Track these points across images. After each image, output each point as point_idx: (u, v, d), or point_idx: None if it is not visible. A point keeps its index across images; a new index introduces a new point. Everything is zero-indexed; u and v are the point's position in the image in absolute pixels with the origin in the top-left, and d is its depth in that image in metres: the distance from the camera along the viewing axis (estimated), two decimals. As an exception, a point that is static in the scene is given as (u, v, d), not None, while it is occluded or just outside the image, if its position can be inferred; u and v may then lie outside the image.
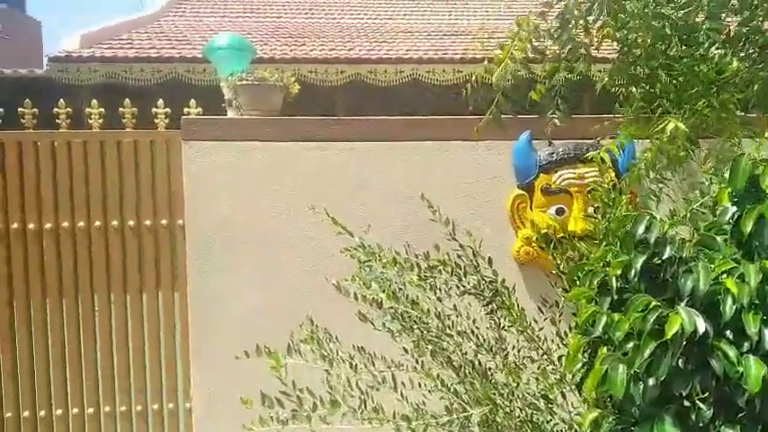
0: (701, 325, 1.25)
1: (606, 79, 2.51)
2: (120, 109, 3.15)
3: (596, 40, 2.41)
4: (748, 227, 1.31)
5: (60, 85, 7.05)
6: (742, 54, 2.30)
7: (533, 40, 2.24)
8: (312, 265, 2.84)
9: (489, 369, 1.66)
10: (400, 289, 1.73)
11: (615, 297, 1.42)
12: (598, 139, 2.92)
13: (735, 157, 1.41)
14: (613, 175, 2.85)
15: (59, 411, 3.18)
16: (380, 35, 8.90)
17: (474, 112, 2.76)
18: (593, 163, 2.92)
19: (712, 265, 1.32)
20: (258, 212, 2.88)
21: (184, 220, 2.98)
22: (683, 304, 1.30)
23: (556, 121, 2.37)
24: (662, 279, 1.38)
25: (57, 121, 3.12)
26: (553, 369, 1.64)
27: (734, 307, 1.25)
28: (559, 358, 1.70)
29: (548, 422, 1.54)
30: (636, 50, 2.30)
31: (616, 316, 1.38)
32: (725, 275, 1.30)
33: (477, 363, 1.65)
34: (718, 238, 1.39)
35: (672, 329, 1.24)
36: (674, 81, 2.36)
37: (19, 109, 3.10)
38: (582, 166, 3.00)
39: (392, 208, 2.84)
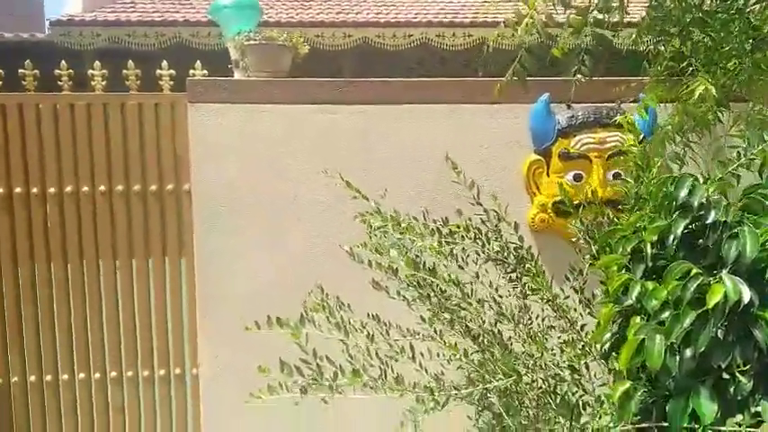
0: (747, 294, 1.17)
1: (634, 36, 2.39)
2: (124, 71, 3.04)
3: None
4: (801, 190, 1.22)
5: (62, 50, 6.91)
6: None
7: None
8: (323, 230, 2.77)
9: (509, 339, 1.59)
10: (417, 256, 1.65)
11: (650, 264, 1.34)
12: (620, 102, 2.82)
13: None
14: (633, 138, 2.78)
15: (65, 376, 3.16)
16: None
17: (484, 76, 2.65)
18: (613, 127, 2.84)
19: (759, 231, 1.23)
20: (267, 176, 2.80)
21: (191, 185, 2.90)
22: (725, 271, 1.22)
23: (580, 77, 2.25)
24: (702, 245, 1.30)
25: (59, 83, 3.02)
26: (578, 339, 1.56)
27: (782, 275, 1.17)
28: (582, 327, 1.62)
29: (573, 394, 1.47)
30: (668, 3, 2.17)
31: (650, 284, 1.30)
32: (772, 242, 1.21)
33: (497, 332, 1.58)
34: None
35: (714, 299, 1.16)
36: (707, 38, 2.24)
37: (20, 71, 3.00)
38: (602, 130, 2.90)
39: (405, 172, 2.75)
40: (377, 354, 1.49)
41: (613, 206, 2.09)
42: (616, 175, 2.83)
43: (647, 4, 2.35)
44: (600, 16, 2.33)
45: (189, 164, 2.91)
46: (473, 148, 2.85)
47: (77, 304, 3.12)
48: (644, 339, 1.21)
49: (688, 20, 2.23)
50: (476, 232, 1.62)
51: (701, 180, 1.41)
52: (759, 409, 1.18)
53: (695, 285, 1.20)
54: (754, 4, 2.05)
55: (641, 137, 2.69)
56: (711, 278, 1.20)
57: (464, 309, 1.56)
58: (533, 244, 2.83)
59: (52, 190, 3.04)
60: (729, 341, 1.22)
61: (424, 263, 1.60)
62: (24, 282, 3.09)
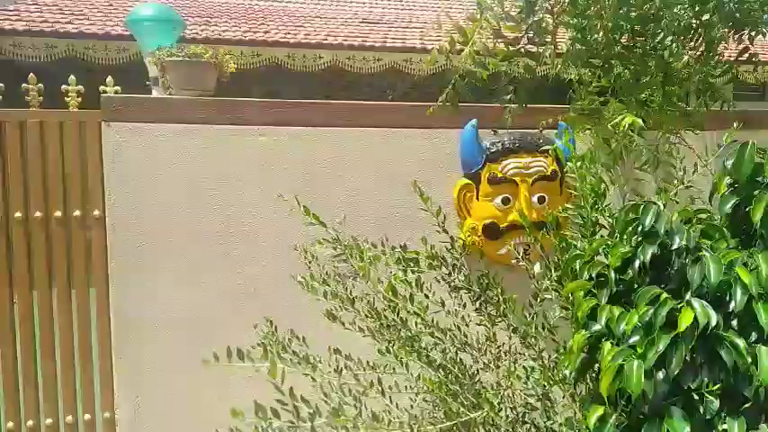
0: (714, 317, 1.22)
1: (559, 67, 2.50)
2: (24, 85, 2.76)
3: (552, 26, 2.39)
4: (758, 215, 1.30)
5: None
6: (690, 48, 2.37)
7: (496, 22, 2.18)
8: (255, 257, 2.63)
9: (473, 368, 1.57)
10: (396, 291, 1.59)
11: (614, 289, 1.37)
12: (541, 128, 2.94)
13: (740, 145, 1.40)
14: (553, 162, 2.92)
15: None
16: (296, 19, 8.62)
17: (393, 100, 2.66)
18: (536, 152, 2.96)
19: (719, 256, 1.30)
20: (191, 202, 2.63)
21: (105, 211, 2.67)
22: (689, 295, 1.27)
23: (512, 105, 2.32)
24: (666, 270, 1.35)
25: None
26: (541, 365, 1.57)
27: (745, 297, 1.24)
28: (540, 353, 1.64)
29: (545, 421, 1.47)
30: (594, 36, 2.30)
31: (616, 309, 1.33)
32: (730, 267, 1.28)
33: (459, 360, 1.56)
34: (725, 230, 1.37)
35: (685, 322, 1.20)
36: (626, 71, 2.39)
37: None
38: (527, 155, 3.00)
39: (342, 197, 2.69)
40: (349, 390, 1.41)
41: (539, 228, 2.15)
42: (541, 199, 2.94)
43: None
44: (532, 48, 2.44)
45: (100, 188, 2.68)
46: (407, 172, 2.85)
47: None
48: (622, 365, 1.24)
49: (611, 53, 2.38)
50: (440, 260, 1.59)
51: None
52: (725, 426, 1.24)
53: (666, 310, 1.24)
54: (671, 42, 2.21)
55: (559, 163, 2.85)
56: (679, 303, 1.25)
57: (426, 337, 1.52)
58: (465, 265, 2.89)
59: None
60: (698, 363, 1.27)
61: (393, 290, 1.55)
62: None
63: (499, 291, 1.63)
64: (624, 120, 2.11)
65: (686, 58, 2.27)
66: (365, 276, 1.52)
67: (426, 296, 1.55)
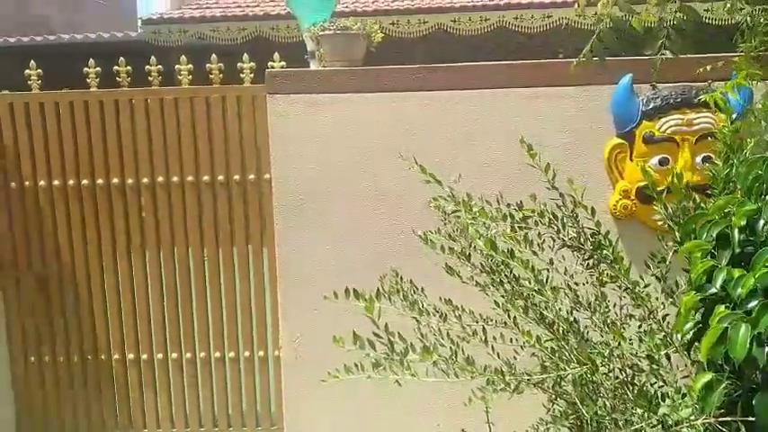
0: None
1: (728, 7, 2.24)
2: (208, 65, 3.19)
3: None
4: None
5: (153, 47, 7.31)
6: None
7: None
8: (398, 217, 2.80)
9: (586, 327, 1.56)
10: (495, 245, 1.64)
11: (737, 251, 1.27)
12: (710, 81, 2.65)
13: None
14: (724, 119, 2.62)
15: (160, 355, 3.38)
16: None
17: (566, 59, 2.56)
18: (702, 107, 2.68)
19: None
20: (342, 164, 2.86)
21: (271, 174, 3.01)
22: (819, 259, 1.14)
23: (667, 54, 2.14)
24: (795, 231, 1.22)
25: (149, 78, 3.21)
26: (659, 329, 1.50)
27: None
28: (664, 318, 1.56)
29: (651, 384, 1.42)
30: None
31: (737, 271, 1.23)
32: None
33: (572, 320, 1.55)
34: None
35: (808, 287, 1.09)
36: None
37: (114, 67, 3.20)
38: (690, 111, 2.75)
39: (481, 158, 2.73)
40: (448, 335, 1.50)
41: (702, 192, 1.98)
42: (706, 159, 2.67)
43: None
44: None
45: (269, 154, 3.02)
46: (553, 133, 2.78)
47: (170, 290, 3.32)
48: (727, 328, 1.16)
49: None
50: (551, 217, 1.59)
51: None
52: None
53: (787, 273, 1.13)
54: None
55: (734, 117, 2.54)
56: (804, 266, 1.13)
57: (539, 295, 1.54)
58: (615, 231, 2.76)
59: (145, 180, 3.24)
60: (823, 333, 1.14)
61: (497, 248, 1.59)
62: (121, 268, 3.32)
63: (612, 249, 1.57)
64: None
65: None
66: (465, 230, 1.57)
67: (535, 253, 1.57)
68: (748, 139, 1.56)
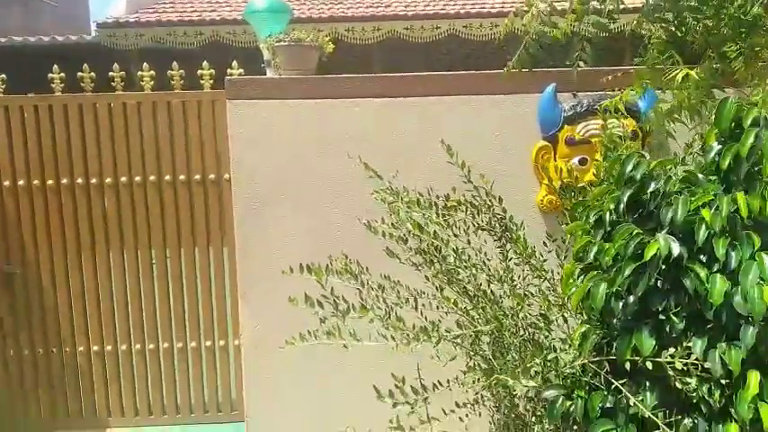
0: (676, 248, 1.42)
1: (635, 23, 2.56)
2: (169, 71, 3.40)
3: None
4: (725, 163, 1.46)
5: (108, 50, 7.40)
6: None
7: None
8: (348, 211, 3.07)
9: (500, 297, 1.87)
10: (422, 228, 1.93)
11: (608, 229, 1.60)
12: (621, 90, 3.02)
13: (720, 101, 1.54)
14: (634, 122, 2.99)
15: (124, 347, 3.57)
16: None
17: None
18: (614, 114, 3.05)
19: (693, 198, 1.48)
20: (298, 163, 3.11)
21: (230, 175, 3.24)
22: (663, 232, 1.47)
23: (581, 64, 2.45)
24: (647, 211, 1.55)
25: (112, 83, 3.41)
26: (555, 296, 1.83)
27: (707, 233, 1.42)
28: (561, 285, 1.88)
29: (545, 338, 1.75)
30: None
31: (606, 244, 1.56)
32: (703, 207, 1.46)
33: (488, 291, 1.86)
34: (700, 175, 1.54)
35: (650, 252, 1.41)
36: (701, 24, 2.39)
37: (78, 74, 3.39)
38: (606, 117, 3.11)
39: (420, 158, 3.03)
40: (384, 300, 1.79)
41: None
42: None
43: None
44: (599, 6, 2.54)
45: (228, 155, 3.26)
46: (488, 136, 3.10)
47: (132, 284, 3.52)
48: (590, 286, 1.48)
49: (684, 7, 2.40)
50: (468, 206, 1.90)
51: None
52: (690, 344, 1.44)
53: (636, 243, 1.46)
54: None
55: (638, 121, 2.92)
56: (651, 237, 1.46)
57: (461, 270, 1.85)
58: (542, 222, 3.11)
59: (109, 180, 3.44)
60: (665, 289, 1.47)
61: (429, 233, 1.89)
62: (86, 265, 3.50)
63: (515, 231, 1.90)
64: (678, 74, 2.20)
65: (756, 9, 2.25)
66: (396, 215, 1.87)
67: (456, 236, 1.88)
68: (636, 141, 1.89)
